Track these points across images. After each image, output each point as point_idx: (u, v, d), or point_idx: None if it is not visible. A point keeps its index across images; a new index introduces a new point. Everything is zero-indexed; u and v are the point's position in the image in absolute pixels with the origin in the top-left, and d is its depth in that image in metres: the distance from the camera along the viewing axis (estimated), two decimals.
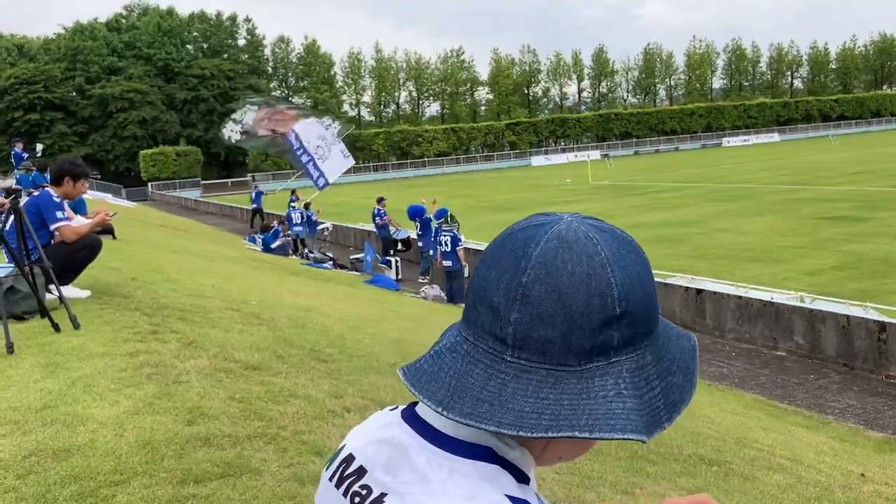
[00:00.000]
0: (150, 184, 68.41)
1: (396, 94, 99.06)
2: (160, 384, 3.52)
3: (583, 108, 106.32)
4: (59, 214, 5.30)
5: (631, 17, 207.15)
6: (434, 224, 15.09)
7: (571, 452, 0.81)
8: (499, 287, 0.71)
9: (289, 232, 21.08)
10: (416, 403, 0.82)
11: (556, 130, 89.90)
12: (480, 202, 33.77)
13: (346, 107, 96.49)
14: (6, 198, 4.90)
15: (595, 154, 78.47)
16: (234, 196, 53.90)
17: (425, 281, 15.64)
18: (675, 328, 0.81)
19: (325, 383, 4.08)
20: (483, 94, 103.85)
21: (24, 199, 5.10)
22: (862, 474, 4.67)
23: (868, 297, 10.64)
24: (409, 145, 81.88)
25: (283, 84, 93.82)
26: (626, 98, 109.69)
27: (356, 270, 16.97)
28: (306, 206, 21.92)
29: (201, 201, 50.27)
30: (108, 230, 10.15)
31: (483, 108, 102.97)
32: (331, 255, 19.17)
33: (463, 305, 0.81)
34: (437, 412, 0.72)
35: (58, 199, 5.36)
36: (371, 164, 75.66)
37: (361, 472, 0.80)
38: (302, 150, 11.31)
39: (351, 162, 12.13)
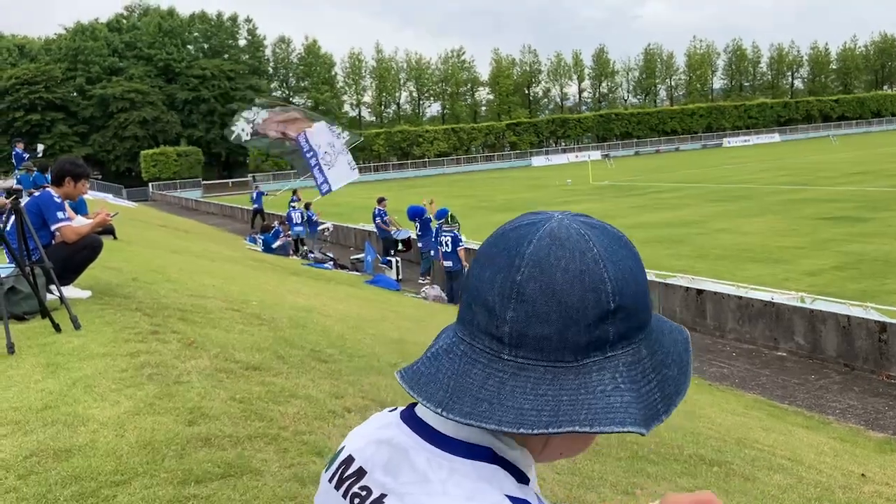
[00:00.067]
0: (150, 184, 68.44)
1: (397, 94, 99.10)
2: (161, 384, 3.52)
3: (583, 108, 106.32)
4: (59, 215, 5.31)
5: (631, 17, 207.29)
6: (434, 224, 15.09)
7: (572, 448, 0.81)
8: (493, 286, 0.72)
9: (289, 232, 21.08)
10: (415, 404, 0.82)
11: (556, 131, 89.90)
12: (481, 202, 33.77)
13: (346, 107, 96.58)
14: (7, 198, 4.90)
15: (596, 154, 78.42)
16: (235, 196, 53.93)
17: (426, 282, 15.64)
18: (668, 322, 0.81)
19: (326, 384, 4.08)
20: (484, 94, 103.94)
21: (24, 200, 5.10)
22: (863, 475, 4.67)
23: (868, 297, 10.64)
24: (410, 145, 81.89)
25: (284, 84, 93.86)
26: (626, 98, 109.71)
27: (357, 271, 16.98)
28: (307, 207, 21.92)
29: (202, 202, 50.30)
30: (109, 230, 10.16)
31: (484, 108, 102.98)
32: (331, 255, 19.18)
33: None
34: (436, 413, 0.72)
35: (59, 200, 5.37)
36: (372, 165, 75.64)
37: (361, 473, 0.81)
38: (312, 154, 11.32)
39: (356, 175, 12.13)
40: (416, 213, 16.65)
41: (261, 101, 11.80)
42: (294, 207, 22.57)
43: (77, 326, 4.44)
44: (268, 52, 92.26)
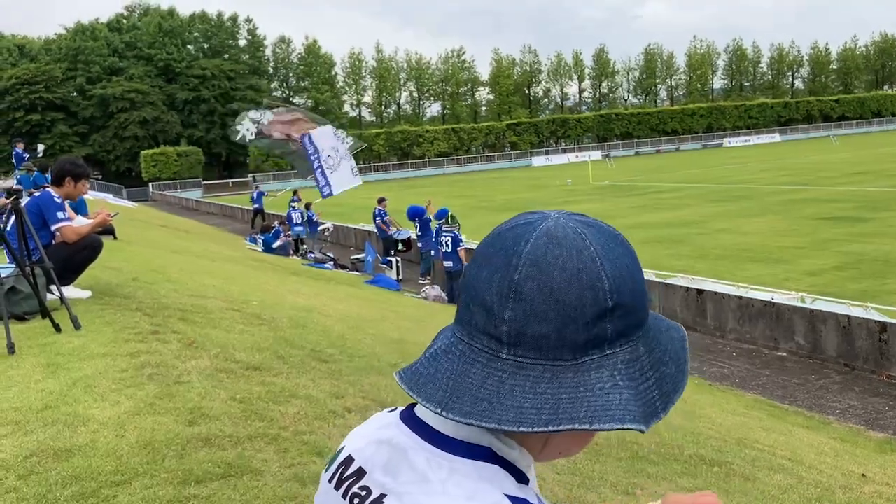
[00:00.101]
0: (150, 184, 68.45)
1: (397, 94, 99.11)
2: (161, 384, 3.52)
3: (584, 108, 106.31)
4: (60, 215, 5.31)
5: (631, 17, 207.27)
6: (434, 225, 15.09)
7: (571, 447, 0.81)
8: (491, 286, 0.72)
9: (289, 232, 21.08)
10: (414, 405, 0.82)
11: (556, 131, 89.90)
12: (481, 202, 33.77)
13: (347, 107, 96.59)
14: (7, 198, 4.90)
15: (596, 154, 78.40)
16: (235, 196, 53.95)
17: (426, 282, 15.64)
18: (665, 320, 0.82)
19: (326, 384, 4.08)
20: (484, 94, 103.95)
21: (25, 200, 5.10)
22: (863, 475, 4.67)
23: (869, 297, 10.64)
24: (410, 145, 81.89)
25: (284, 84, 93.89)
26: (626, 98, 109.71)
27: (357, 271, 16.98)
28: (307, 207, 21.92)
29: (202, 202, 50.31)
30: (109, 230, 10.16)
31: (484, 108, 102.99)
32: (331, 255, 19.18)
33: None
34: (436, 413, 0.72)
35: (59, 200, 5.37)
36: (372, 165, 75.64)
37: (361, 473, 0.81)
38: (315, 156, 11.33)
39: (358, 182, 12.13)
40: (415, 214, 16.65)
41: (267, 101, 11.81)
42: (294, 207, 22.58)
43: (77, 326, 4.44)
44: (268, 52, 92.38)
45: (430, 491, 0.73)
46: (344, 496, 0.81)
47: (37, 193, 5.48)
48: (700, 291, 10.89)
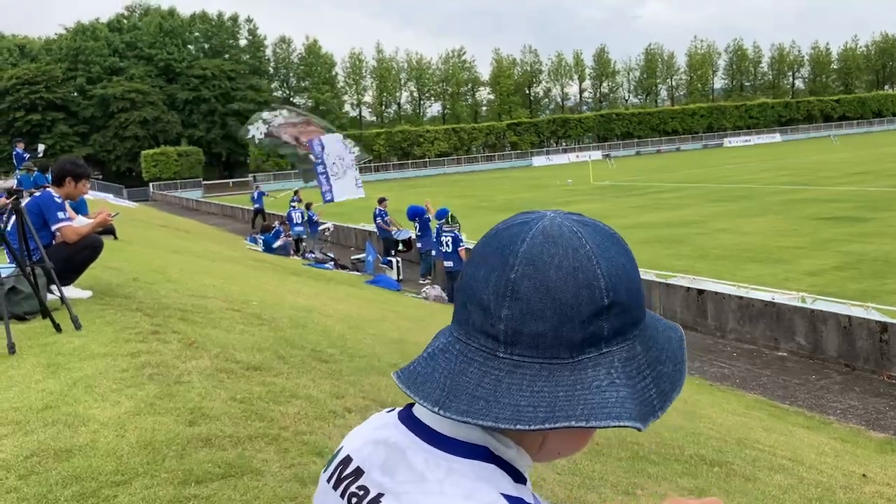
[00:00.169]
0: (151, 184, 68.46)
1: (398, 94, 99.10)
2: (161, 384, 3.52)
3: (584, 108, 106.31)
4: (60, 215, 5.31)
5: (631, 17, 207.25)
6: (434, 225, 15.09)
7: (569, 447, 0.81)
8: (488, 285, 0.72)
9: (290, 232, 21.08)
10: (413, 405, 0.82)
11: (557, 131, 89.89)
12: (481, 202, 33.77)
13: (347, 107, 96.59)
14: (8, 198, 4.90)
15: (596, 154, 78.45)
16: (236, 196, 53.94)
17: (426, 282, 15.64)
18: (662, 320, 0.82)
19: (327, 384, 4.08)
20: (484, 94, 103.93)
21: (25, 200, 5.10)
22: (864, 475, 4.66)
23: (869, 297, 10.63)
24: (411, 145, 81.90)
25: (285, 84, 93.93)
26: (627, 98, 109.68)
27: (357, 271, 16.98)
28: (308, 207, 21.92)
29: (202, 202, 50.31)
30: (110, 230, 10.16)
31: (484, 108, 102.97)
32: (332, 255, 19.18)
33: None
34: (433, 412, 0.72)
35: (59, 200, 5.37)
36: (372, 165, 75.65)
37: (359, 473, 0.81)
38: (320, 161, 11.43)
39: (362, 194, 12.23)
40: (415, 213, 16.64)
41: (279, 104, 11.92)
42: (295, 207, 22.58)
43: (78, 326, 4.44)
44: (268, 52, 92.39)
45: (427, 490, 0.73)
46: (342, 496, 0.81)
47: (37, 193, 5.48)
48: (700, 291, 10.89)
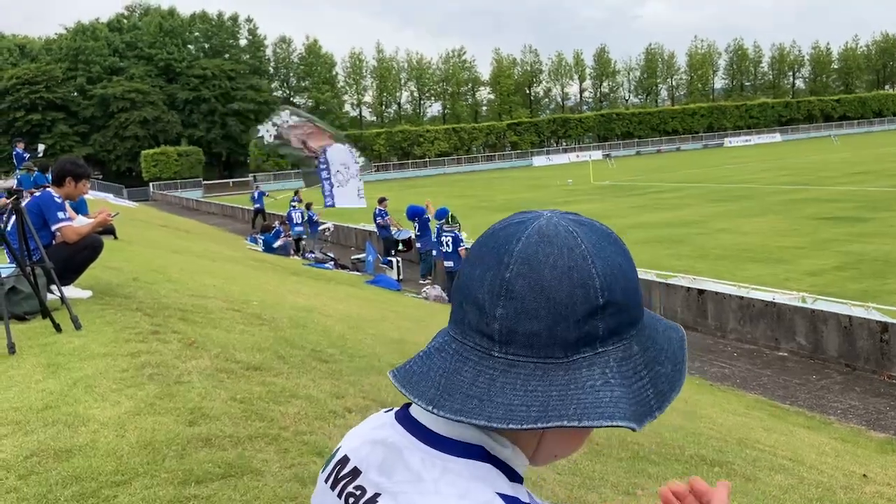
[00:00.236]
0: (151, 184, 68.46)
1: (398, 94, 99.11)
2: (161, 384, 3.52)
3: (584, 108, 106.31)
4: (60, 215, 5.31)
5: (631, 17, 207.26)
6: (433, 224, 15.09)
7: (565, 448, 0.81)
8: (483, 284, 0.72)
9: (290, 232, 21.09)
10: (410, 405, 0.82)
11: (557, 130, 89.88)
12: (481, 202, 33.76)
13: (347, 107, 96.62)
14: (8, 198, 4.90)
15: (597, 154, 78.47)
16: (236, 196, 53.94)
17: (426, 282, 15.64)
18: (663, 320, 0.82)
19: (327, 384, 4.08)
20: (484, 94, 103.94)
21: (25, 200, 5.10)
22: (864, 475, 4.66)
23: (870, 297, 10.63)
24: (411, 145, 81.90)
25: (285, 84, 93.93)
26: (627, 98, 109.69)
27: (357, 271, 16.98)
28: (308, 207, 21.92)
29: (203, 201, 50.31)
30: (110, 230, 10.16)
31: (484, 108, 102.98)
32: (332, 255, 19.18)
33: None
34: (427, 411, 0.73)
35: (59, 200, 5.37)
36: (372, 165, 75.63)
37: (356, 473, 0.81)
38: (325, 167, 11.55)
39: (363, 204, 12.38)
40: (415, 213, 16.64)
41: (290, 108, 12.00)
42: (295, 207, 22.57)
43: (78, 326, 4.44)
44: (268, 51, 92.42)
45: (423, 490, 0.73)
46: (339, 496, 0.81)
47: (37, 193, 5.48)
48: (701, 291, 10.89)
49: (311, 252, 20.28)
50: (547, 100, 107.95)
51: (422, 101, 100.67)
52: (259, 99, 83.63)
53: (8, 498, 2.45)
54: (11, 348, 4.04)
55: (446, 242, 13.41)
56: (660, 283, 11.50)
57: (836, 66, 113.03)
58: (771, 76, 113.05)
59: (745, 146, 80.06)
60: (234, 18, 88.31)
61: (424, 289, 14.15)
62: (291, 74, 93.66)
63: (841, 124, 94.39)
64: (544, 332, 0.70)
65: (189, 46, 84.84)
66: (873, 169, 34.54)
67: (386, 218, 18.76)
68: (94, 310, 4.96)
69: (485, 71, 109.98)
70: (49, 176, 8.90)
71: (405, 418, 0.81)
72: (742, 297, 10.30)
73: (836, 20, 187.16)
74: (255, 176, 68.12)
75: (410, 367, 0.77)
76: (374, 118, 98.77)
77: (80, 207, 8.78)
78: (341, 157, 11.72)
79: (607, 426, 0.68)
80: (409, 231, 17.97)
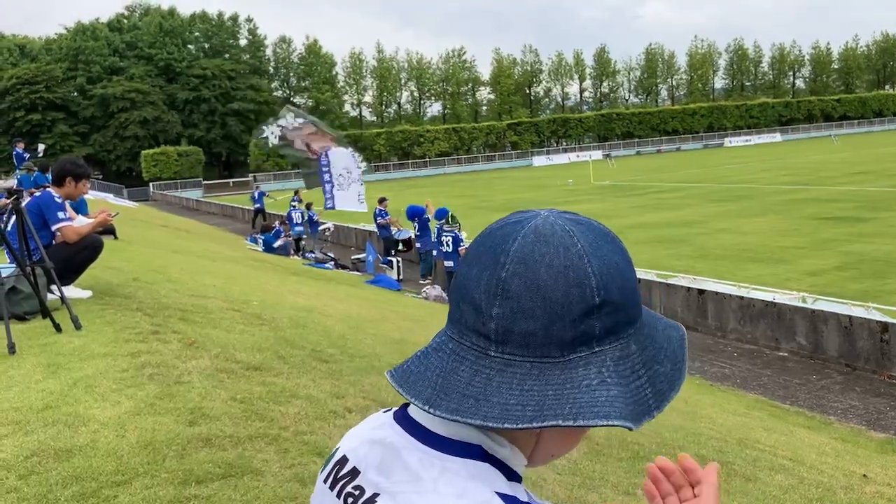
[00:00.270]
0: (151, 184, 68.47)
1: (398, 94, 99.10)
2: (162, 384, 3.52)
3: (584, 108, 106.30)
4: (60, 215, 5.31)
5: (631, 17, 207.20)
6: (433, 225, 15.09)
7: (561, 447, 0.81)
8: (479, 284, 0.72)
9: (290, 232, 21.09)
10: (408, 405, 0.82)
11: (557, 130, 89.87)
12: (482, 202, 33.76)
13: (347, 107, 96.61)
14: (8, 198, 4.90)
15: (597, 154, 78.46)
16: (236, 196, 53.93)
17: (427, 282, 15.64)
18: (663, 319, 0.82)
19: (327, 384, 4.08)
20: (485, 94, 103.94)
21: (25, 200, 5.10)
22: (864, 475, 4.66)
23: (870, 297, 10.63)
24: (411, 145, 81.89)
25: (285, 84, 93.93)
26: (627, 98, 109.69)
27: (357, 271, 16.98)
28: (308, 207, 21.93)
29: (203, 201, 50.32)
30: (110, 230, 10.17)
31: (485, 108, 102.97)
32: (332, 255, 19.18)
33: None
34: (424, 410, 0.73)
35: (59, 200, 5.37)
36: (373, 165, 75.60)
37: (355, 473, 0.81)
38: (327, 170, 11.63)
39: (363, 209, 12.48)
40: (414, 213, 16.65)
41: (295, 110, 12.07)
42: (295, 207, 22.58)
43: (78, 326, 4.44)
44: (268, 51, 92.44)
45: (422, 490, 0.73)
46: (338, 496, 0.82)
47: (37, 193, 5.48)
48: (701, 291, 10.89)
49: (312, 252, 20.28)
50: (547, 100, 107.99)
51: (422, 101, 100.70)
52: (259, 99, 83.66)
53: (8, 498, 2.45)
54: (12, 348, 4.03)
55: (446, 242, 13.42)
56: (660, 283, 11.49)
57: (836, 66, 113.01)
58: (771, 76, 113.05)
59: (745, 146, 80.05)
60: (234, 18, 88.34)
61: (425, 289, 14.16)
62: (291, 74, 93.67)
63: (841, 124, 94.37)
64: (540, 331, 0.70)
65: (189, 46, 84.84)
66: (873, 169, 34.54)
67: (386, 217, 18.77)
68: (94, 310, 4.96)
69: (485, 71, 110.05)
70: (49, 176, 8.90)
71: (403, 418, 0.81)
72: (742, 297, 10.30)
73: (836, 20, 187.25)
74: (255, 176, 68.14)
75: (408, 367, 0.78)
76: (375, 118, 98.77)
77: (81, 207, 8.78)
78: (344, 161, 11.79)
79: (603, 425, 0.68)
80: (410, 231, 17.98)
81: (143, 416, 3.11)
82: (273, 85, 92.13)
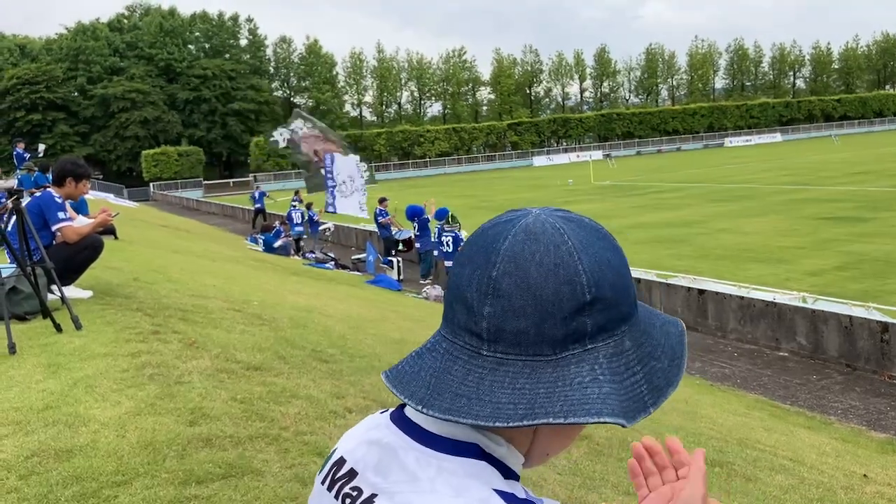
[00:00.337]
0: (151, 184, 68.48)
1: (398, 94, 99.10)
2: (162, 385, 3.52)
3: (585, 108, 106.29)
4: (60, 215, 5.31)
5: (631, 17, 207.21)
6: (433, 225, 15.09)
7: (556, 445, 0.81)
8: (471, 283, 0.73)
9: (290, 232, 21.09)
10: (404, 405, 0.83)
11: (558, 130, 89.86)
12: (482, 202, 33.76)
13: (347, 107, 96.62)
14: (8, 198, 4.91)
15: (597, 154, 78.44)
16: (236, 196, 53.93)
17: (427, 282, 15.64)
18: (661, 315, 0.82)
19: (327, 384, 4.08)
20: (485, 94, 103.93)
21: (26, 200, 5.10)
22: (864, 475, 4.66)
23: (870, 297, 10.63)
24: (411, 145, 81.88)
25: (285, 84, 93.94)
26: (628, 98, 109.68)
27: (358, 271, 16.98)
28: (308, 207, 21.93)
29: (203, 201, 50.32)
30: (110, 230, 10.17)
31: (485, 108, 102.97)
32: (332, 255, 19.18)
33: None
34: (418, 410, 0.73)
35: (59, 200, 5.37)
36: (373, 165, 75.64)
37: (352, 474, 0.81)
38: (331, 176, 11.75)
39: (365, 216, 12.59)
40: (414, 213, 16.65)
41: (306, 116, 12.17)
42: (295, 207, 22.58)
43: (78, 326, 4.44)
44: (269, 51, 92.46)
45: (419, 489, 0.73)
46: (336, 497, 0.82)
47: (38, 193, 5.48)
48: (701, 291, 10.88)
49: (312, 252, 20.28)
50: (547, 100, 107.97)
51: (422, 101, 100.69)
52: (259, 99, 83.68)
53: (9, 498, 2.45)
54: (12, 348, 4.04)
55: (447, 242, 13.42)
56: (660, 283, 11.49)
57: (836, 66, 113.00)
58: (771, 76, 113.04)
59: (745, 146, 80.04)
60: (235, 18, 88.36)
61: (425, 289, 14.16)
62: (292, 74, 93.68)
63: (841, 124, 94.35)
64: (532, 329, 0.70)
65: (189, 46, 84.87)
66: (874, 169, 34.53)
67: (387, 217, 18.77)
68: (94, 310, 4.97)
69: (485, 71, 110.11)
70: (49, 176, 8.91)
71: (400, 419, 0.82)
72: (742, 297, 10.30)
73: (836, 20, 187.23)
74: (255, 176, 68.14)
75: (402, 368, 0.78)
76: (375, 118, 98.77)
77: (81, 208, 8.78)
78: (349, 169, 11.92)
79: (594, 423, 0.68)
80: (410, 231, 17.98)
81: (144, 417, 3.11)
82: (273, 85, 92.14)
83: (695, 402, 6.28)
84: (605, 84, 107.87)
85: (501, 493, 0.72)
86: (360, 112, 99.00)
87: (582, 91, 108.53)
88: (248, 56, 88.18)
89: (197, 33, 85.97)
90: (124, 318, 4.79)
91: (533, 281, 0.70)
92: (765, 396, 7.81)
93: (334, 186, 11.79)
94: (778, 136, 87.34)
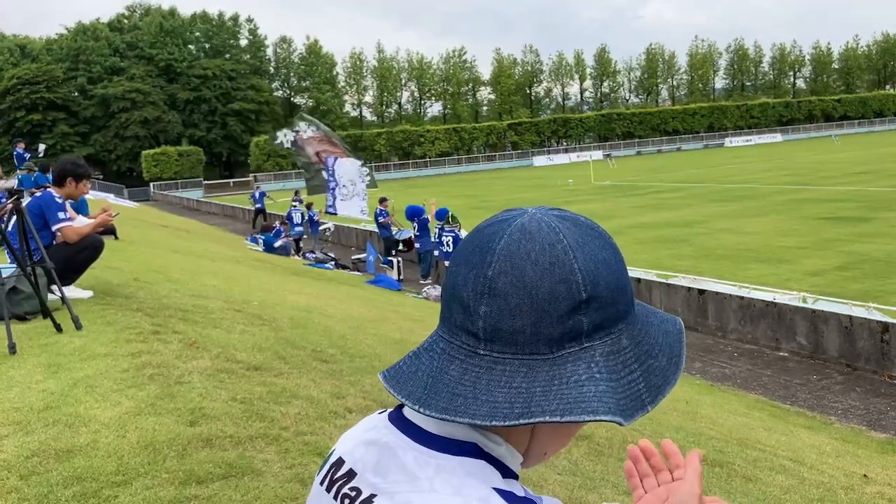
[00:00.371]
0: (151, 184, 68.49)
1: (398, 94, 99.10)
2: (162, 385, 3.52)
3: (585, 108, 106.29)
4: (60, 215, 5.31)
5: (632, 17, 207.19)
6: (433, 225, 15.09)
7: (554, 444, 0.81)
8: (467, 283, 0.73)
9: (290, 232, 21.09)
10: (403, 405, 0.83)
11: (558, 130, 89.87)
12: (482, 202, 33.75)
13: (348, 107, 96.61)
14: (9, 198, 4.91)
15: (597, 154, 78.41)
16: (236, 196, 53.93)
17: (427, 283, 15.64)
18: (660, 313, 0.82)
19: (327, 384, 4.08)
20: (485, 94, 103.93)
21: (26, 200, 5.10)
22: (865, 475, 4.66)
23: (871, 297, 10.62)
24: (411, 145, 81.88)
25: (286, 84, 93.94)
26: (628, 98, 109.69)
27: (358, 271, 16.98)
28: (308, 207, 21.93)
29: (203, 201, 50.33)
30: (110, 230, 10.17)
31: (485, 108, 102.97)
32: (333, 255, 19.19)
33: None
34: (416, 410, 0.73)
35: (60, 200, 5.37)
36: (373, 165, 75.62)
37: (351, 474, 0.81)
38: (332, 179, 11.80)
39: (365, 218, 12.64)
40: (414, 213, 16.65)
41: (309, 118, 12.23)
42: (295, 207, 22.59)
43: (78, 327, 4.44)
44: (269, 51, 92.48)
45: (418, 489, 0.73)
46: (335, 497, 0.82)
47: (38, 193, 5.48)
48: (701, 291, 10.88)
49: (312, 252, 20.29)
50: (547, 100, 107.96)
51: (422, 101, 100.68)
52: (259, 99, 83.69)
53: (9, 498, 2.45)
54: (12, 348, 4.04)
55: (447, 242, 13.42)
56: (660, 283, 11.49)
57: (836, 66, 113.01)
58: (772, 76, 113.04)
59: (745, 146, 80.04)
60: (235, 18, 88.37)
61: (425, 289, 14.16)
62: (292, 74, 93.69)
63: (842, 124, 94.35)
64: (528, 328, 0.70)
65: (190, 46, 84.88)
66: (874, 169, 34.52)
67: (387, 217, 18.77)
68: (94, 310, 4.97)
69: (485, 71, 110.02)
70: (50, 176, 8.91)
71: (398, 419, 0.82)
72: (743, 297, 10.29)
73: (836, 20, 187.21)
74: (255, 176, 68.16)
75: (399, 368, 0.78)
76: (375, 118, 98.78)
77: (81, 208, 8.79)
78: (350, 173, 11.96)
79: (591, 421, 0.68)
80: (410, 231, 17.98)
81: (144, 417, 3.11)
82: (273, 85, 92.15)
83: (695, 403, 6.28)
84: (606, 84, 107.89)
85: (501, 492, 0.72)
86: (361, 112, 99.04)
87: (582, 91, 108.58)
88: (248, 56, 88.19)
89: (197, 33, 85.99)
90: (124, 318, 4.79)
91: (529, 280, 0.70)
92: (765, 396, 7.81)
93: (335, 187, 11.83)
94: (778, 136, 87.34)
